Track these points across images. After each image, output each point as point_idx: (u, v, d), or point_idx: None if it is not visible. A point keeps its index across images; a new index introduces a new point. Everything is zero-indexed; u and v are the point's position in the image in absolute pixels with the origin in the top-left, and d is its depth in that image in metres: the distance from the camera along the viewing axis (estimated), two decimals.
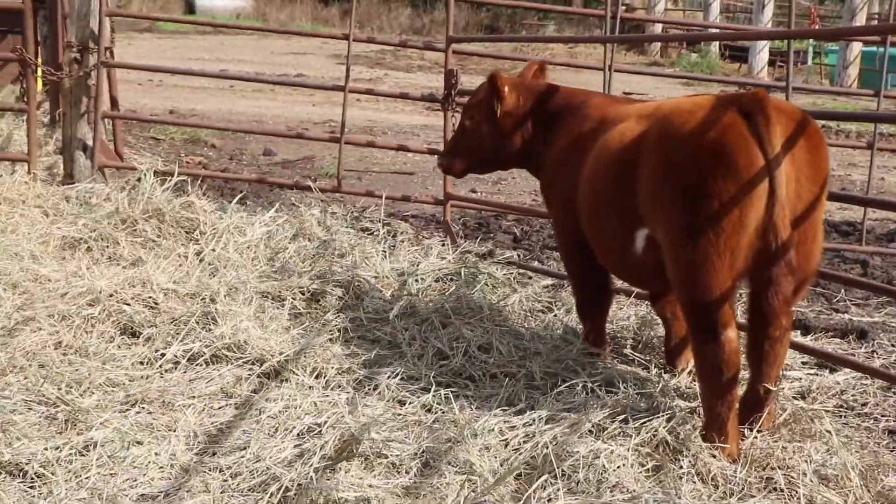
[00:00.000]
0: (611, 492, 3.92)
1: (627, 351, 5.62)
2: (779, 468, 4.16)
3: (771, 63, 27.54)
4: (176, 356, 5.26)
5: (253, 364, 5.24)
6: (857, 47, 24.63)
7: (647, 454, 4.18)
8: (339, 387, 5.02)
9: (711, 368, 4.28)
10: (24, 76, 8.67)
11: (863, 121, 10.98)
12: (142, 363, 5.24)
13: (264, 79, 11.91)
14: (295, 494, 3.93)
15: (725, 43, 29.63)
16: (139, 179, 7.69)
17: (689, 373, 5.15)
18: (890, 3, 9.22)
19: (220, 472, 4.12)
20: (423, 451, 4.25)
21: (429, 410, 4.72)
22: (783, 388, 4.86)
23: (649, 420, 4.33)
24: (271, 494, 3.93)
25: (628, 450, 4.15)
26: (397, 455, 4.19)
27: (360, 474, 4.04)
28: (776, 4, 29.28)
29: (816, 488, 4.06)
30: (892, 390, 5.28)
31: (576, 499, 3.86)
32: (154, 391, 4.86)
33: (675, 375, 5.17)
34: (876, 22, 26.84)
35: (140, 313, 5.65)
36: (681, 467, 4.12)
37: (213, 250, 6.78)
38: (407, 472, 4.12)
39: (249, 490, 4.00)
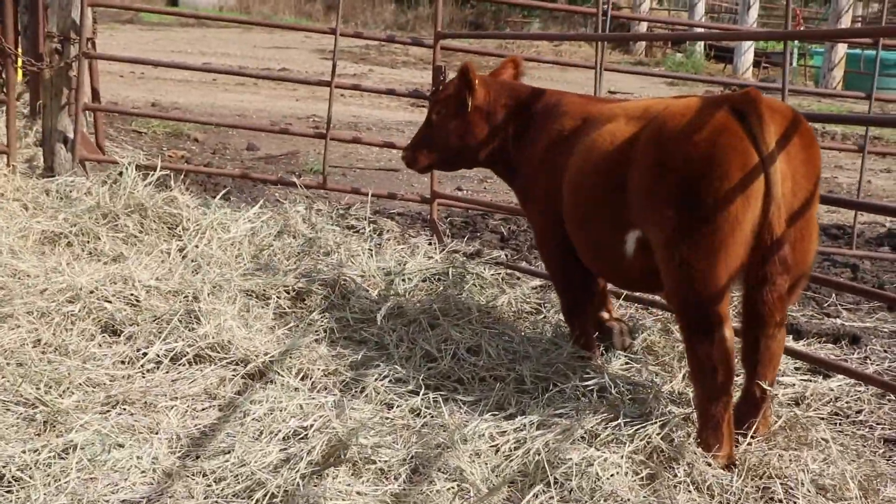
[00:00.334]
0: (605, 501, 3.86)
1: (619, 354, 5.53)
2: (776, 477, 4.09)
3: (756, 64, 27.59)
4: (158, 356, 5.15)
5: (237, 364, 5.13)
6: (842, 49, 24.69)
7: (641, 462, 4.11)
8: (326, 389, 4.93)
9: (706, 369, 4.22)
10: (3, 67, 8.51)
11: (856, 124, 10.94)
12: (123, 363, 5.13)
13: (248, 73, 11.72)
14: (281, 501, 3.83)
15: (710, 43, 29.65)
16: (121, 173, 7.55)
17: (683, 377, 5.07)
18: (883, 6, 9.19)
19: (203, 476, 4.01)
20: (412, 457, 4.16)
21: (417, 414, 4.63)
22: (777, 394, 4.80)
23: (643, 426, 4.26)
24: (257, 501, 3.83)
25: (622, 457, 4.08)
26: (386, 461, 4.10)
27: (347, 481, 3.96)
28: (761, 6, 29.34)
29: (814, 499, 4.00)
30: (887, 397, 5.21)
31: None
32: (136, 392, 4.75)
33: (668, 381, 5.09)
34: (860, 24, 26.96)
35: (121, 311, 5.54)
36: (676, 476, 4.05)
37: (197, 247, 6.67)
38: (396, 479, 4.03)
39: (234, 496, 3.90)
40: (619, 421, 4.33)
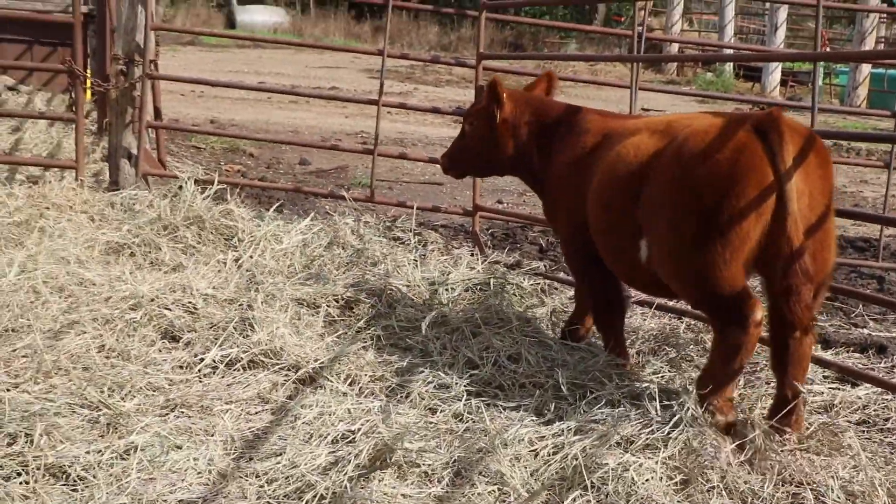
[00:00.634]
0: None
1: (653, 361, 5.45)
2: (806, 484, 4.00)
3: (783, 83, 27.33)
4: (214, 361, 5.13)
5: (289, 370, 5.10)
6: (865, 69, 24.42)
7: (675, 467, 4.03)
8: (373, 394, 4.89)
9: (730, 347, 4.29)
10: (73, 87, 8.59)
11: (883, 142, 10.78)
12: (181, 367, 5.12)
13: (300, 91, 11.79)
14: (329, 503, 3.80)
15: (739, 63, 29.42)
16: (181, 187, 7.58)
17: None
18: None
19: (256, 477, 3.98)
20: (454, 461, 4.10)
21: (460, 419, 4.58)
22: (808, 400, 4.70)
23: (677, 432, 4.18)
24: (306, 502, 3.80)
25: (657, 462, 4.00)
26: (429, 464, 4.05)
27: (393, 483, 3.91)
28: (787, 27, 29.08)
29: None
30: None
31: None
32: (193, 395, 4.74)
33: None
34: (883, 45, 26.67)
35: (180, 318, 5.54)
36: (709, 481, 3.97)
37: (251, 257, 6.67)
38: (439, 482, 3.98)
39: (285, 497, 3.86)
40: (653, 427, 4.25)
